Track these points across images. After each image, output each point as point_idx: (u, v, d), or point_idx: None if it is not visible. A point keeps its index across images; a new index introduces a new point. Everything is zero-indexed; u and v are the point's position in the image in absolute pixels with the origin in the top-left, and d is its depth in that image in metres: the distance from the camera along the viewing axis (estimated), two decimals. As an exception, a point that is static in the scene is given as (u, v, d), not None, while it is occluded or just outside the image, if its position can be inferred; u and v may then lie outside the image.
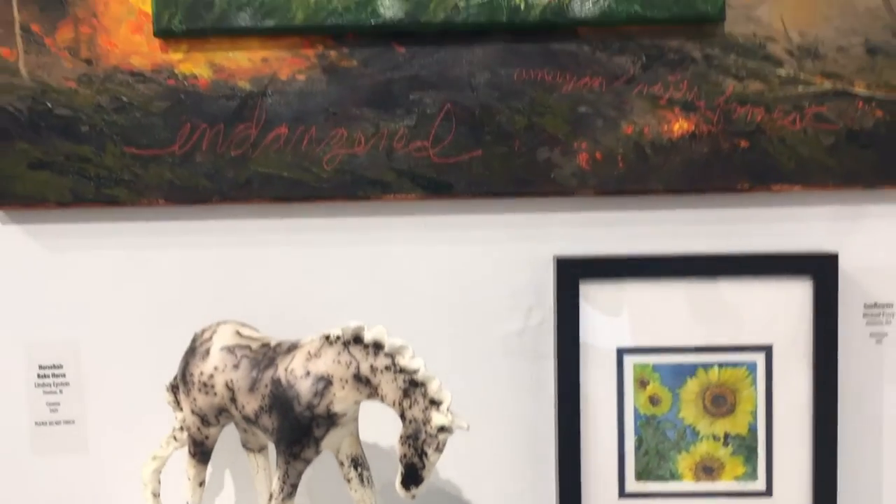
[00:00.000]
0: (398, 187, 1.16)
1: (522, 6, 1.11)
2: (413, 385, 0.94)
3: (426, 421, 0.93)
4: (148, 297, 1.20)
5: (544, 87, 1.14)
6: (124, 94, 1.15)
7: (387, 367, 0.94)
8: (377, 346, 0.94)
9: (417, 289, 1.19)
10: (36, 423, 1.21)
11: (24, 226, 1.19)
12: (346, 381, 0.96)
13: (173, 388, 1.12)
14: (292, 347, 0.99)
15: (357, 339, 0.94)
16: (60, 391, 1.21)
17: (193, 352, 1.04)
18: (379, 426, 1.10)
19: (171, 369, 1.12)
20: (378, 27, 1.12)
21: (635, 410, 1.16)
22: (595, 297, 1.16)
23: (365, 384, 0.96)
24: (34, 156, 1.16)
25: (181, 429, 1.10)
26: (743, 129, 1.14)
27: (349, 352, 0.95)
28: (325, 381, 0.96)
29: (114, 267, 1.20)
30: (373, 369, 0.95)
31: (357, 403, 1.00)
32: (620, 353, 1.16)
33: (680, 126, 1.15)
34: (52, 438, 1.21)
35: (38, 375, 1.21)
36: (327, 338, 0.96)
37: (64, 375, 1.21)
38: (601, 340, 1.16)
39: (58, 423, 1.21)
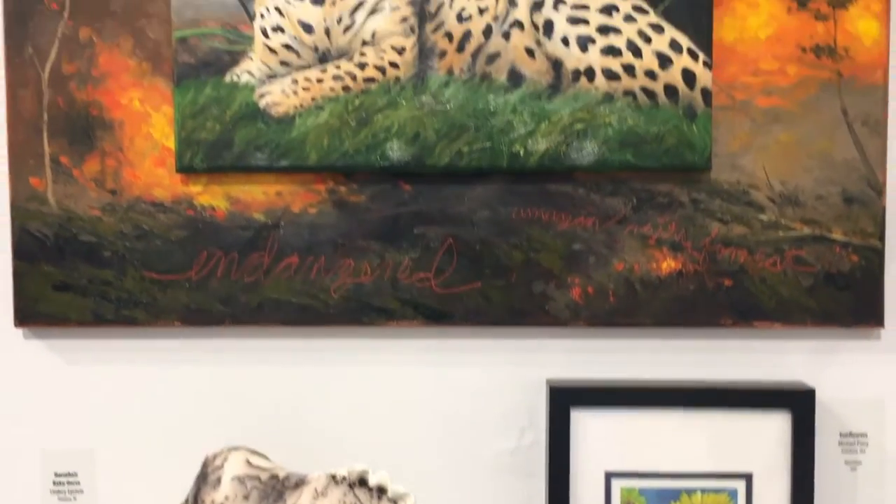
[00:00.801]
0: (401, 315, 1.23)
1: (522, 152, 1.19)
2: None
3: None
4: (161, 413, 1.26)
5: (541, 225, 1.22)
6: (145, 223, 1.22)
7: (388, 513, 1.01)
8: (381, 491, 1.00)
9: (417, 408, 1.26)
10: (51, 529, 1.27)
11: (46, 340, 1.26)
12: None
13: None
14: (300, 483, 1.05)
15: (362, 482, 1.01)
16: (74, 498, 1.27)
17: (205, 478, 1.10)
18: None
19: (182, 482, 1.19)
20: (386, 168, 1.19)
21: (622, 532, 1.23)
22: (585, 424, 1.22)
23: (368, 524, 1.02)
24: (58, 278, 1.23)
25: None
26: (727, 269, 1.22)
27: (354, 493, 1.01)
28: (330, 517, 1.02)
29: (130, 382, 1.26)
30: None
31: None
32: (608, 476, 1.23)
33: (668, 264, 1.22)
34: (65, 544, 1.27)
35: (54, 482, 1.27)
36: (333, 477, 1.03)
37: (78, 483, 1.27)
38: (590, 463, 1.23)
39: (72, 529, 1.27)
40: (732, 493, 1.22)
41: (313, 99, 1.18)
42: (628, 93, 1.18)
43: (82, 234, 1.22)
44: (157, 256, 1.23)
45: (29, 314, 1.23)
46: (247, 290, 1.23)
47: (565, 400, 1.22)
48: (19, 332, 1.25)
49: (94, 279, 1.23)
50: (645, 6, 1.17)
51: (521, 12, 1.19)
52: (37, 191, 1.22)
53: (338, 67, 1.18)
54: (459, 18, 1.19)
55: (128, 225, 1.22)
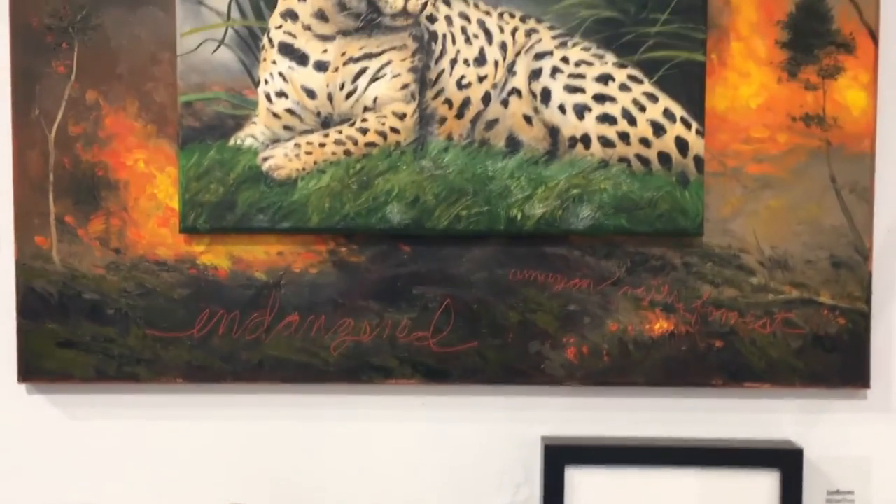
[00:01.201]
0: (400, 373, 1.25)
1: (519, 216, 1.22)
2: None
3: None
4: (163, 469, 1.28)
5: (537, 286, 1.24)
6: (149, 282, 1.24)
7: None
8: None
9: (415, 464, 1.28)
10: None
11: (49, 396, 1.28)
12: None
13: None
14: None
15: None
16: (75, 550, 1.29)
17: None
18: None
19: (182, 537, 1.21)
20: (386, 231, 1.22)
21: (614, 587, 1.25)
22: (579, 480, 1.25)
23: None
24: (62, 335, 1.24)
25: None
26: (718, 330, 1.24)
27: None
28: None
29: (132, 438, 1.28)
30: None
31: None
32: (601, 532, 1.25)
33: (660, 325, 1.25)
34: None
35: (55, 535, 1.29)
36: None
37: (79, 535, 1.29)
38: (584, 519, 1.25)
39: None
40: (723, 550, 1.25)
41: (315, 162, 1.21)
42: (623, 159, 1.21)
43: (86, 292, 1.24)
44: (159, 314, 1.25)
45: (32, 371, 1.25)
46: (248, 347, 1.25)
47: (560, 457, 1.25)
48: (22, 387, 1.27)
49: (98, 336, 1.24)
50: (640, 76, 1.21)
51: (520, 80, 1.22)
52: (42, 249, 1.24)
53: (340, 132, 1.21)
54: (459, 86, 1.21)
55: (131, 283, 1.24)
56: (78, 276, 1.24)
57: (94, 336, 1.24)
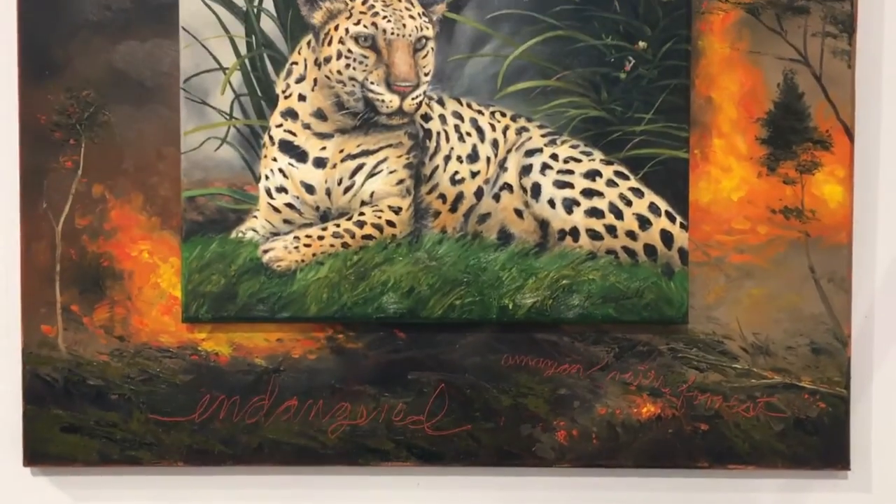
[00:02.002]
0: (395, 456, 1.29)
1: (510, 306, 1.26)
2: None
3: None
4: (164, 550, 1.32)
5: (528, 372, 1.29)
6: (152, 368, 1.28)
7: None
8: None
9: (409, 543, 1.32)
10: None
11: (53, 478, 1.31)
12: None
13: None
14: None
15: None
16: None
17: None
18: None
19: None
20: (382, 320, 1.26)
21: None
22: (570, 560, 1.29)
23: None
24: (67, 420, 1.28)
25: None
26: (703, 414, 1.29)
27: None
28: None
29: (133, 519, 1.32)
30: None
31: None
32: None
33: (648, 409, 1.29)
34: None
35: None
36: None
37: None
38: None
39: None
40: None
41: (314, 255, 1.26)
42: (610, 251, 1.26)
43: (91, 379, 1.28)
44: (162, 399, 1.28)
45: (38, 455, 1.28)
46: (248, 431, 1.29)
47: (551, 538, 1.28)
48: (27, 470, 1.30)
49: (102, 421, 1.28)
50: (626, 172, 1.26)
51: (511, 176, 1.27)
52: (48, 337, 1.28)
53: (338, 226, 1.26)
54: (452, 181, 1.26)
55: (134, 369, 1.28)
56: (83, 362, 1.28)
57: (98, 421, 1.28)
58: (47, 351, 1.28)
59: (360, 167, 1.26)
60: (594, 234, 1.26)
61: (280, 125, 1.26)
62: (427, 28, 1.24)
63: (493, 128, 1.26)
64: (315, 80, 1.25)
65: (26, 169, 1.26)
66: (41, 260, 1.27)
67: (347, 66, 1.24)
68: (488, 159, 1.27)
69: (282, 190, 1.26)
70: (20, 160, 1.26)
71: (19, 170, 1.27)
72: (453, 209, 1.27)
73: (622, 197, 1.26)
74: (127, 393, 1.28)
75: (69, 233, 1.27)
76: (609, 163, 1.26)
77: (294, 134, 1.26)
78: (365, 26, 1.23)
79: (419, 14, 1.24)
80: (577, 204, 1.26)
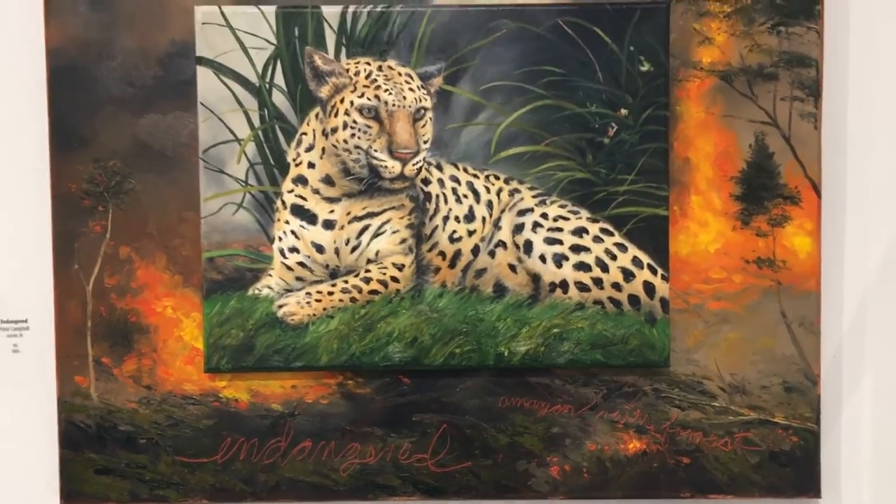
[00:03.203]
0: (402, 491, 1.40)
1: (506, 353, 1.37)
2: None
3: None
4: (191, 580, 1.43)
5: (523, 412, 1.40)
6: (177, 414, 1.39)
7: None
8: None
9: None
10: None
11: (87, 514, 1.43)
12: None
13: None
14: None
15: None
16: None
17: None
18: None
19: None
20: (388, 367, 1.37)
21: None
22: (564, 585, 1.40)
23: None
24: (100, 463, 1.39)
25: None
26: (685, 448, 1.40)
27: None
28: None
29: (162, 552, 1.43)
30: None
31: None
32: None
33: (634, 445, 1.40)
34: None
35: None
36: None
37: None
38: None
39: None
40: None
41: (325, 309, 1.36)
42: (597, 302, 1.37)
43: (121, 425, 1.39)
44: (186, 442, 1.39)
45: (74, 495, 1.39)
46: (266, 470, 1.40)
47: (546, 565, 1.40)
48: (64, 508, 1.42)
49: (132, 463, 1.39)
50: (611, 229, 1.36)
51: (505, 234, 1.37)
52: (81, 387, 1.39)
53: (346, 282, 1.37)
54: (451, 239, 1.37)
55: (161, 415, 1.39)
56: (113, 410, 1.39)
57: (128, 463, 1.39)
58: (81, 400, 1.39)
59: (365, 228, 1.37)
60: (582, 287, 1.37)
61: (291, 191, 1.36)
62: (425, 99, 1.35)
63: (488, 190, 1.37)
64: (323, 149, 1.36)
65: (59, 233, 1.37)
66: (74, 316, 1.38)
67: (353, 135, 1.35)
68: (484, 219, 1.38)
69: (294, 250, 1.37)
70: (53, 225, 1.37)
71: (52, 234, 1.37)
72: (452, 265, 1.37)
73: (607, 252, 1.37)
74: (155, 437, 1.39)
75: (99, 291, 1.38)
76: (595, 220, 1.36)
77: (304, 199, 1.37)
78: (368, 99, 1.34)
79: (418, 87, 1.34)
80: (566, 259, 1.37)
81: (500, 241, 1.38)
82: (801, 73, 1.36)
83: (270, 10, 1.34)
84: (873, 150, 1.40)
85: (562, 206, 1.37)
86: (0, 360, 1.40)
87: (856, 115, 1.40)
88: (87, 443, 1.39)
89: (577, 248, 1.37)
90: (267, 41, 1.34)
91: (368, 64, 1.34)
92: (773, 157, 1.37)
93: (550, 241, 1.37)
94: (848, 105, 1.39)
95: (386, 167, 1.35)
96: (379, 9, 1.34)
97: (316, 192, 1.37)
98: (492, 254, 1.38)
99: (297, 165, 1.36)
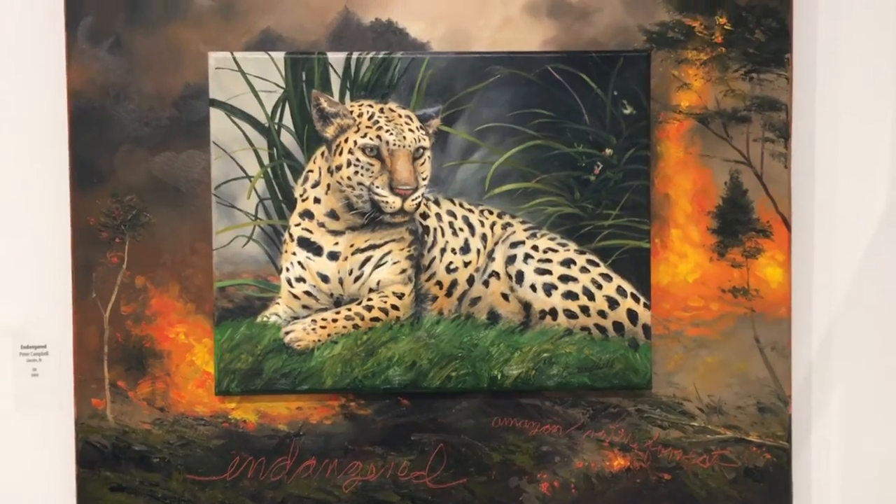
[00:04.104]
0: (401, 506, 1.49)
1: (499, 376, 1.46)
2: None
3: None
4: (200, 592, 1.51)
5: (515, 432, 1.49)
6: (188, 434, 1.47)
7: None
8: None
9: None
10: None
11: (101, 530, 1.51)
12: None
13: None
14: None
15: None
16: None
17: None
18: None
19: None
20: (388, 390, 1.46)
21: None
22: None
23: None
24: (115, 481, 1.47)
25: None
26: (666, 465, 1.49)
27: None
28: None
29: (173, 565, 1.51)
30: None
31: None
32: None
33: (618, 462, 1.49)
34: None
35: None
36: None
37: None
38: None
39: None
40: None
41: (329, 335, 1.45)
42: (584, 328, 1.47)
43: (135, 445, 1.47)
44: (197, 461, 1.47)
45: (89, 512, 1.48)
46: (273, 487, 1.48)
47: (537, 576, 1.49)
48: (79, 524, 1.50)
49: (145, 481, 1.47)
50: (597, 260, 1.46)
51: (498, 265, 1.47)
52: (97, 409, 1.47)
53: (349, 310, 1.46)
54: (448, 270, 1.47)
55: (173, 436, 1.47)
56: (128, 431, 1.47)
57: (142, 481, 1.47)
58: (97, 421, 1.47)
59: (368, 259, 1.46)
60: (570, 314, 1.47)
61: (298, 224, 1.45)
62: (424, 139, 1.44)
63: (482, 224, 1.47)
64: (328, 185, 1.45)
65: (78, 264, 1.45)
66: (91, 342, 1.46)
67: (356, 172, 1.44)
68: (478, 251, 1.47)
69: (300, 280, 1.46)
70: (72, 256, 1.45)
71: (72, 265, 1.45)
72: (449, 294, 1.47)
73: (594, 281, 1.46)
74: (167, 456, 1.47)
75: (115, 318, 1.46)
76: (582, 252, 1.46)
77: (311, 232, 1.46)
78: (371, 139, 1.44)
79: (417, 128, 1.44)
80: (555, 288, 1.47)
81: (493, 271, 1.47)
82: (772, 116, 1.47)
83: (279, 55, 1.43)
84: (839, 188, 1.51)
85: (551, 239, 1.46)
86: (21, 384, 1.48)
87: (822, 155, 1.51)
88: (103, 461, 1.47)
89: (565, 278, 1.47)
90: (276, 85, 1.44)
91: (371, 106, 1.44)
92: (746, 194, 1.48)
93: (540, 272, 1.47)
94: (815, 146, 1.50)
95: (387, 202, 1.44)
96: (381, 55, 1.43)
97: (321, 225, 1.46)
98: (486, 283, 1.47)
99: (303, 200, 1.45)
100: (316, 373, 1.45)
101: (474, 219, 1.47)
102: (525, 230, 1.47)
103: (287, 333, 1.45)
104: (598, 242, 1.46)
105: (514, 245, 1.47)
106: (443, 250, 1.47)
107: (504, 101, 1.44)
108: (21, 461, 1.49)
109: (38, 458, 1.49)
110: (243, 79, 1.43)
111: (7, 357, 1.48)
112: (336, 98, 1.44)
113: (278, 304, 1.46)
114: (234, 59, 1.43)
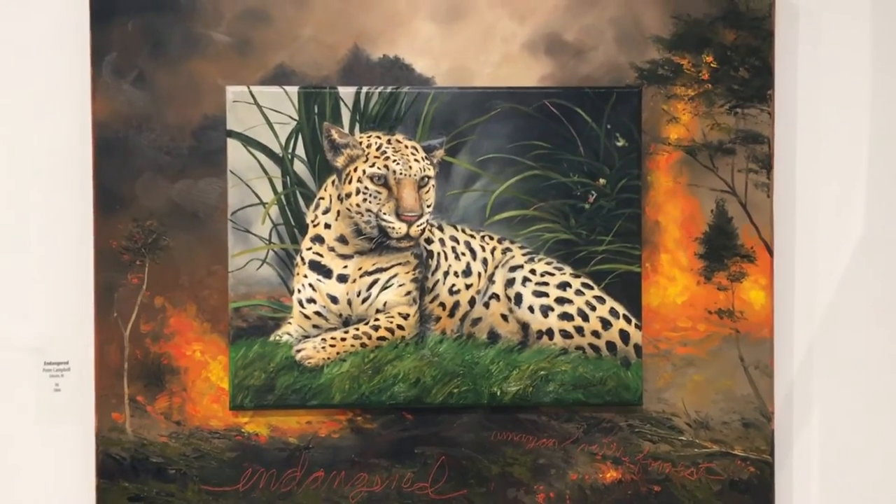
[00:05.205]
0: (405, 516, 1.57)
1: (498, 392, 1.55)
2: None
3: None
4: None
5: (513, 445, 1.57)
6: (203, 447, 1.55)
7: None
8: None
9: (416, 587, 1.60)
10: None
11: (119, 539, 1.58)
12: None
13: None
14: None
15: None
16: None
17: None
18: None
19: None
20: (394, 405, 1.54)
21: None
22: None
23: None
24: (133, 492, 1.54)
25: None
26: (656, 478, 1.58)
27: None
28: None
29: (187, 572, 1.58)
30: None
31: None
32: None
33: (611, 475, 1.58)
34: None
35: None
36: None
37: None
38: None
39: None
40: None
41: (338, 353, 1.53)
42: (579, 348, 1.55)
43: (153, 457, 1.55)
44: (212, 473, 1.55)
45: (108, 521, 1.55)
46: (283, 498, 1.56)
47: (533, 582, 1.56)
48: (99, 533, 1.57)
49: (162, 492, 1.55)
50: (591, 283, 1.55)
51: (498, 287, 1.56)
52: (117, 423, 1.54)
53: (357, 329, 1.54)
54: (451, 292, 1.55)
55: (189, 448, 1.55)
56: (146, 443, 1.55)
57: (159, 492, 1.55)
58: (117, 434, 1.54)
59: (375, 281, 1.54)
60: (566, 334, 1.55)
61: (309, 248, 1.54)
62: (429, 169, 1.53)
63: (483, 248, 1.55)
64: (338, 212, 1.53)
65: (100, 285, 1.53)
66: (112, 359, 1.54)
67: (364, 200, 1.53)
68: (479, 274, 1.56)
69: (311, 301, 1.54)
70: (95, 278, 1.53)
71: (94, 285, 1.53)
72: (451, 315, 1.55)
73: (588, 303, 1.55)
74: (183, 468, 1.55)
75: (135, 336, 1.54)
76: (577, 276, 1.55)
77: (321, 255, 1.54)
78: (378, 168, 1.52)
79: (422, 158, 1.53)
80: (552, 309, 1.55)
81: (493, 293, 1.56)
82: (756, 148, 1.57)
83: (293, 89, 1.52)
84: (818, 216, 1.60)
85: (548, 263, 1.55)
86: (43, 399, 1.56)
87: (803, 185, 1.60)
88: (122, 473, 1.54)
89: (561, 300, 1.55)
90: (290, 117, 1.52)
91: (379, 138, 1.53)
92: (731, 221, 1.57)
93: (538, 294, 1.55)
94: (796, 176, 1.60)
95: (393, 228, 1.53)
96: (389, 90, 1.53)
97: (331, 249, 1.54)
98: (486, 305, 1.56)
99: (315, 226, 1.54)
100: (325, 389, 1.53)
101: (476, 244, 1.55)
102: (523, 255, 1.55)
103: (298, 351, 1.53)
104: (593, 267, 1.55)
105: (513, 269, 1.56)
106: (446, 273, 1.55)
107: (504, 133, 1.53)
108: (44, 472, 1.56)
109: (61, 469, 1.56)
110: (259, 111, 1.52)
111: (31, 373, 1.56)
112: (346, 130, 1.53)
113: (290, 323, 1.54)
114: (251, 92, 1.52)
